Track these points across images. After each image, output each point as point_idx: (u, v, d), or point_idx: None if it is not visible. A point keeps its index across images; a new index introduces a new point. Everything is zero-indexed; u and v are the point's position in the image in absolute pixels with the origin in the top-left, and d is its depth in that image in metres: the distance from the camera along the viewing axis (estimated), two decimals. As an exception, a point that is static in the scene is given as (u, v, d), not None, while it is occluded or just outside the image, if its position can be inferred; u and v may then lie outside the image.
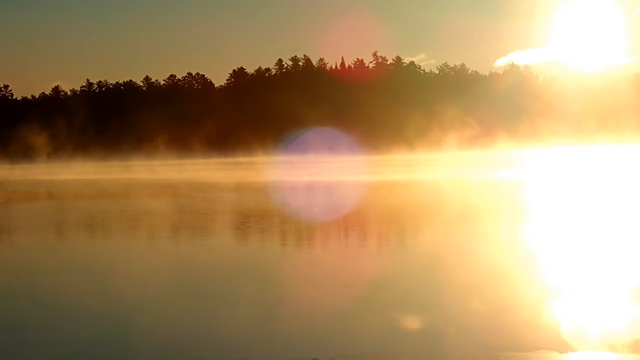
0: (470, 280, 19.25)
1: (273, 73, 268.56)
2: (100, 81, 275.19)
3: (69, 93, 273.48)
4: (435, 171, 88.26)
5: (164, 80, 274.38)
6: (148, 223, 37.42)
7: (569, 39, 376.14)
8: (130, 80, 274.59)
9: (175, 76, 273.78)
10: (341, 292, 18.46)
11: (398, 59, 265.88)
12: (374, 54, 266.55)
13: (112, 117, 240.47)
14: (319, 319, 15.67)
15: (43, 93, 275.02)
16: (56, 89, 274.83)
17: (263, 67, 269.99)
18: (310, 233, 31.57)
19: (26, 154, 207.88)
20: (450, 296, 17.52)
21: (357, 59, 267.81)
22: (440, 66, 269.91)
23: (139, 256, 26.06)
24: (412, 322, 15.18)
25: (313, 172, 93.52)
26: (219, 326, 15.26)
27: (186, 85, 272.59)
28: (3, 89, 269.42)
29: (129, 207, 47.21)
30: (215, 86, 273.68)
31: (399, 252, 25.92)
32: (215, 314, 16.40)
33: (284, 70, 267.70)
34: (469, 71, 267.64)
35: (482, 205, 42.55)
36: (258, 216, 39.14)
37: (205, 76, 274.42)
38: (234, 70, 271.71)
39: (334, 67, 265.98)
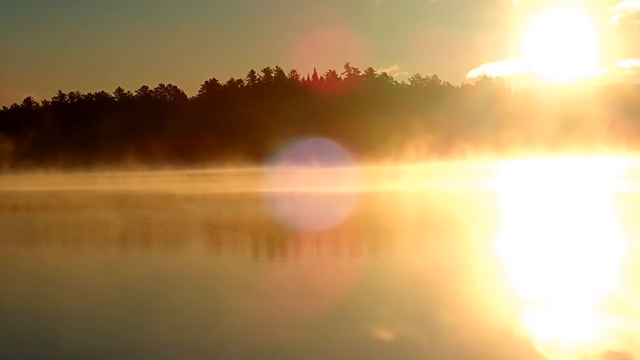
0: (443, 293, 18.93)
1: (245, 84, 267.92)
2: (72, 92, 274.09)
3: (40, 104, 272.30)
4: (406, 182, 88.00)
5: (135, 91, 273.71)
6: (103, 234, 36.86)
7: (541, 51, 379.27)
8: (102, 92, 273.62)
9: (147, 87, 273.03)
10: (301, 305, 18.01)
11: (370, 70, 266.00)
12: (346, 66, 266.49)
13: (83, 128, 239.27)
14: (278, 332, 15.17)
15: (15, 104, 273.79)
16: (28, 100, 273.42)
17: (235, 79, 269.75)
18: (269, 245, 31.12)
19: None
20: (421, 309, 17.16)
21: (330, 70, 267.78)
22: (412, 78, 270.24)
23: (89, 268, 25.49)
24: (383, 336, 14.77)
25: (284, 184, 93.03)
26: (162, 339, 14.80)
27: (158, 97, 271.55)
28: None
29: (90, 218, 46.61)
30: (187, 97, 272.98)
31: (366, 265, 25.39)
32: (158, 325, 15.95)
33: (256, 81, 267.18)
34: (441, 83, 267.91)
35: (453, 217, 42.19)
36: (217, 228, 38.69)
37: (177, 87, 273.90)
38: (206, 82, 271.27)
39: (306, 78, 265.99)
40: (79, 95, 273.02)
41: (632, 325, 14.86)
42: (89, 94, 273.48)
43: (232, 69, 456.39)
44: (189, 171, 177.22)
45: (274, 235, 34.25)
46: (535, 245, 27.84)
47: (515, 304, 17.35)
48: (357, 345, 13.99)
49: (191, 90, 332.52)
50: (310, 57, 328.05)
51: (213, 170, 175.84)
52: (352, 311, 17.18)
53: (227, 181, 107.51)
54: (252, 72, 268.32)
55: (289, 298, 18.93)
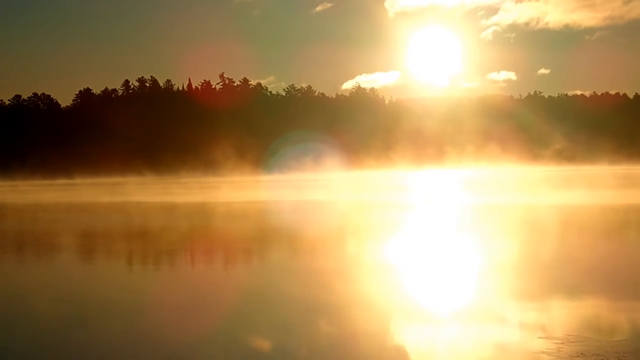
0: (324, 303, 18.55)
1: (120, 94, 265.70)
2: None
3: None
4: (273, 193, 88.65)
5: (8, 100, 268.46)
6: None
7: (416, 63, 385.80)
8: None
9: (20, 96, 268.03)
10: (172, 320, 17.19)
11: (245, 80, 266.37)
12: (221, 76, 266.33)
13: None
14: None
15: None
16: None
17: (110, 88, 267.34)
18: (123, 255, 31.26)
19: None
20: (303, 319, 16.82)
21: (204, 80, 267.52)
22: (286, 88, 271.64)
23: None
24: (261, 347, 14.51)
25: (127, 193, 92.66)
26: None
27: (31, 106, 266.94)
28: None
29: None
30: (62, 107, 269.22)
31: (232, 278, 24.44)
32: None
33: (130, 91, 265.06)
34: (316, 93, 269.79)
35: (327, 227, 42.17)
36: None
37: (51, 96, 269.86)
38: (80, 91, 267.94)
39: (181, 88, 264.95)
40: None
41: (504, 334, 14.99)
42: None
43: (109, 78, 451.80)
44: (56, 181, 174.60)
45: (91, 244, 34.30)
46: (396, 256, 27.70)
47: (395, 315, 17.11)
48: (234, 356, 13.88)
49: (65, 100, 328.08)
50: (188, 68, 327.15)
51: (85, 180, 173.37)
52: (228, 325, 16.57)
53: (80, 190, 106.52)
54: (127, 81, 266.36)
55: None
